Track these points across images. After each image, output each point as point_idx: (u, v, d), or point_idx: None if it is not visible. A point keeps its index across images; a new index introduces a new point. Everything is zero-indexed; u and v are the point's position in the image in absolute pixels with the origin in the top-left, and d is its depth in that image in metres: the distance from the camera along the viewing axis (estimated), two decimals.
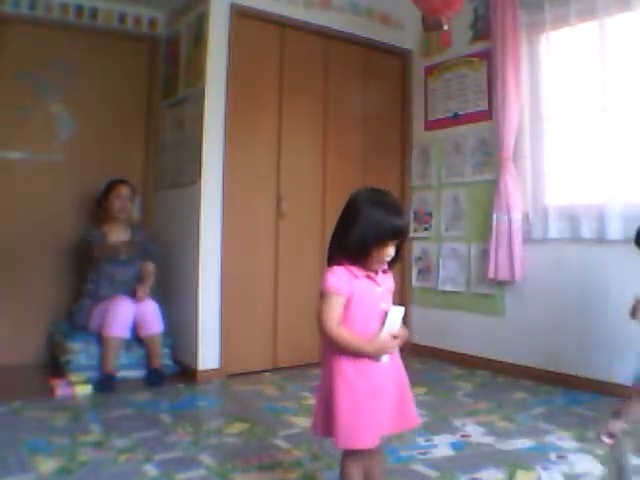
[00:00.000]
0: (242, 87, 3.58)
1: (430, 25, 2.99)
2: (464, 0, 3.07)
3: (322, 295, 1.56)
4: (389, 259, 1.59)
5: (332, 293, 1.54)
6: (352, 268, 1.56)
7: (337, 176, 3.99)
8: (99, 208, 3.62)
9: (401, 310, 1.58)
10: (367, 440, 1.55)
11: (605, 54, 3.17)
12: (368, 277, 1.58)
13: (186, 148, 3.64)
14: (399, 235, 1.57)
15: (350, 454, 1.60)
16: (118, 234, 3.55)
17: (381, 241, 1.54)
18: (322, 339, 1.61)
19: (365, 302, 1.57)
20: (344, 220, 1.59)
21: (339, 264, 1.57)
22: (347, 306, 1.55)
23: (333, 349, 1.57)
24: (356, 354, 1.54)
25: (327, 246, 1.64)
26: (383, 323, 1.56)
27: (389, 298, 1.64)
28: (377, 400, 1.56)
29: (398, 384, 1.63)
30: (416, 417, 1.68)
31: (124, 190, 3.56)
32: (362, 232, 1.53)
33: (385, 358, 1.57)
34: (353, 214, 1.56)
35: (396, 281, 1.73)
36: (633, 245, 2.36)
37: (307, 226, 3.86)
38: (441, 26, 3.03)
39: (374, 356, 1.55)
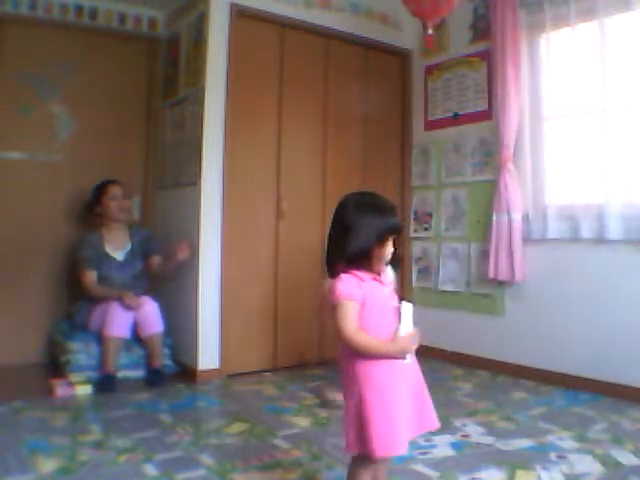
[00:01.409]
0: (242, 87, 3.58)
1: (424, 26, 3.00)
2: (453, 7, 3.06)
3: (335, 305, 1.53)
4: (389, 257, 1.59)
5: (345, 300, 1.52)
6: (358, 273, 1.56)
7: (337, 176, 3.99)
8: (92, 212, 3.59)
9: (410, 306, 1.59)
10: (402, 445, 1.52)
11: (605, 54, 3.17)
12: (374, 279, 1.58)
13: (186, 148, 3.64)
14: (395, 231, 1.59)
15: (364, 460, 1.57)
16: (116, 235, 3.53)
17: (380, 240, 1.55)
18: (342, 349, 1.58)
19: (376, 304, 1.56)
20: (339, 228, 1.59)
21: (343, 272, 1.56)
22: (360, 311, 1.54)
23: (356, 356, 1.54)
24: (380, 357, 1.52)
25: (324, 257, 1.62)
26: (399, 321, 1.56)
27: (395, 298, 1.64)
28: (403, 402, 1.55)
29: (416, 385, 1.63)
30: (436, 419, 1.65)
31: (116, 190, 3.52)
32: (361, 236, 1.53)
33: (408, 358, 1.56)
34: (347, 220, 1.56)
35: (395, 281, 1.73)
36: (633, 245, 2.37)
37: (307, 226, 3.86)
38: (426, 29, 3.02)
39: (398, 356, 1.53)
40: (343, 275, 1.55)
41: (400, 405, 1.53)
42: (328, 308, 1.58)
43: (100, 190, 3.52)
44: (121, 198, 3.55)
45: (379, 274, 1.60)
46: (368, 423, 1.49)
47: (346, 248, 1.54)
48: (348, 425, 1.56)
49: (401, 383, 1.55)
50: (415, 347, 1.57)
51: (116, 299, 3.28)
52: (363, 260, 1.55)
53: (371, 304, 1.55)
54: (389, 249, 1.58)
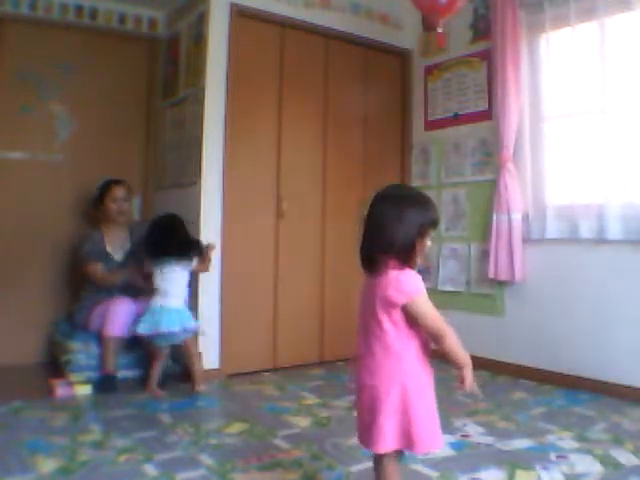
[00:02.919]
0: (242, 87, 3.58)
1: (429, 25, 2.97)
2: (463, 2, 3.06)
3: (415, 298, 1.51)
4: (427, 251, 1.62)
5: (423, 293, 1.53)
6: (410, 269, 1.56)
7: (337, 176, 4.00)
8: (96, 209, 3.60)
9: None
10: (442, 439, 1.58)
11: (605, 54, 3.17)
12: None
13: (186, 148, 3.64)
14: (437, 225, 1.62)
15: (397, 457, 1.60)
16: (116, 236, 3.53)
17: (424, 234, 1.57)
18: (383, 347, 1.54)
19: None
20: (387, 222, 1.55)
21: (395, 267, 1.54)
22: None
23: (404, 352, 1.54)
24: (446, 352, 1.54)
25: (360, 249, 1.61)
26: None
27: None
28: (433, 397, 1.60)
29: None
30: None
31: (119, 192, 3.51)
32: (411, 231, 1.53)
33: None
34: (396, 215, 1.54)
35: None
36: (633, 245, 2.37)
37: (307, 226, 3.86)
38: (435, 28, 3.01)
39: (461, 367, 1.55)
40: (406, 270, 1.54)
41: (433, 399, 1.58)
42: (385, 300, 1.53)
43: (103, 189, 3.52)
44: (124, 199, 3.53)
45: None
46: (415, 419, 1.51)
47: (397, 241, 1.53)
48: (383, 423, 1.53)
49: (431, 379, 1.60)
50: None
51: (128, 279, 3.38)
52: (409, 253, 1.55)
53: None
54: (429, 243, 1.60)
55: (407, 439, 1.52)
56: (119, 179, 3.58)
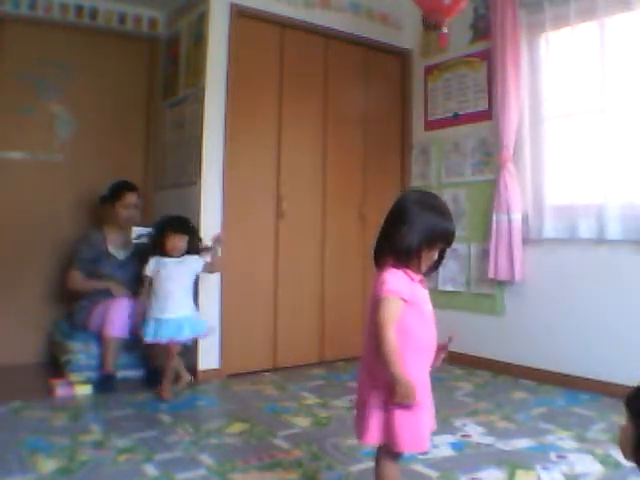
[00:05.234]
0: (242, 87, 3.58)
1: (433, 25, 2.97)
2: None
3: (382, 298, 1.50)
4: (433, 262, 1.59)
5: (392, 296, 1.49)
6: (408, 271, 1.54)
7: (337, 176, 4.00)
8: (102, 208, 3.58)
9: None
10: (427, 441, 1.55)
11: (605, 54, 3.17)
12: (420, 281, 1.58)
13: (186, 148, 3.64)
14: (451, 239, 1.57)
15: (393, 456, 1.59)
16: (119, 236, 3.52)
17: (433, 244, 1.54)
18: (371, 339, 1.54)
19: (423, 309, 1.57)
20: (395, 222, 1.56)
21: (394, 266, 1.54)
22: (406, 309, 1.52)
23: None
24: (384, 367, 1.47)
25: (372, 248, 1.61)
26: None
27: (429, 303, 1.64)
28: (428, 400, 1.57)
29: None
30: (434, 421, 1.66)
31: (132, 199, 3.48)
32: (415, 234, 1.51)
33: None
34: (405, 216, 1.53)
35: None
36: (633, 245, 2.36)
37: (307, 226, 3.86)
38: (440, 27, 3.01)
39: (397, 390, 1.46)
40: (394, 269, 1.53)
41: (426, 402, 1.56)
42: (373, 298, 1.55)
43: (116, 193, 3.48)
44: (134, 206, 3.49)
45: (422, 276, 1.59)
46: (396, 417, 1.50)
47: (398, 243, 1.52)
48: (369, 415, 1.54)
49: (427, 381, 1.58)
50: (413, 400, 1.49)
51: (104, 289, 3.33)
52: (411, 258, 1.53)
53: (418, 307, 1.55)
54: (436, 255, 1.57)
55: (388, 435, 1.52)
56: (132, 184, 3.54)
